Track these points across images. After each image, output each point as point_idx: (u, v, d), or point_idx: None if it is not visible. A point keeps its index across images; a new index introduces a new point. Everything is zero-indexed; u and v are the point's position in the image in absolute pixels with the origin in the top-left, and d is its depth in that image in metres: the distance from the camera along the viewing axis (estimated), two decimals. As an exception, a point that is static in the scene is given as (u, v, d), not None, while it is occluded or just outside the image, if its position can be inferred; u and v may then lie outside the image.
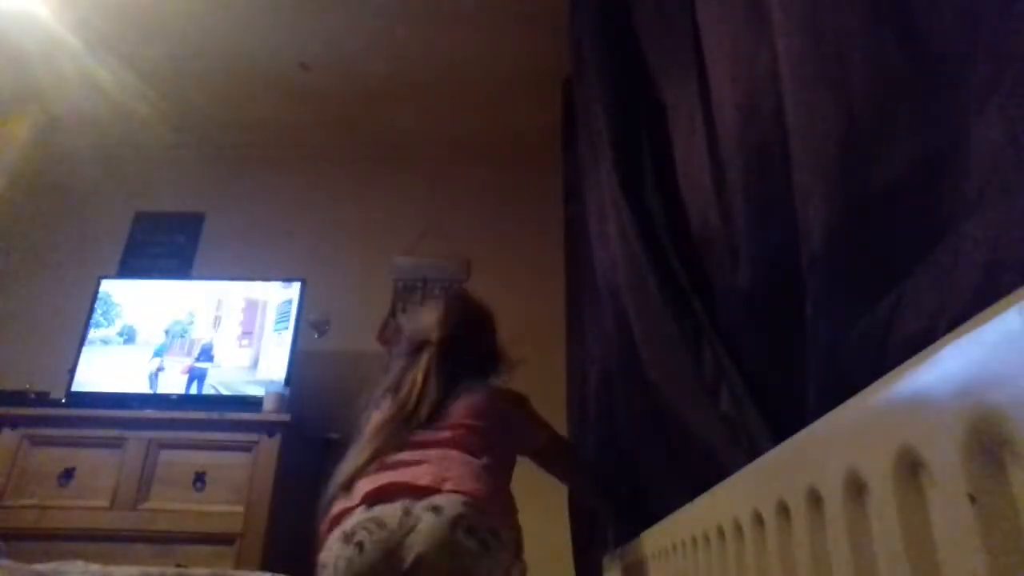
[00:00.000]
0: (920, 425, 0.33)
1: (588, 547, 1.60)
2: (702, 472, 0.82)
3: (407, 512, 0.93)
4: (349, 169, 3.45)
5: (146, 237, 3.34)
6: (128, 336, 2.80)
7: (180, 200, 3.41)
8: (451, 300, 1.48)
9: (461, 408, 1.15)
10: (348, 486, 1.04)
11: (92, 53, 2.82)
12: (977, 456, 0.29)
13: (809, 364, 0.60)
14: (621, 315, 1.26)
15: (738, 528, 0.62)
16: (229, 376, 2.70)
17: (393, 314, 3.07)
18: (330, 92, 3.10)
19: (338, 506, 1.02)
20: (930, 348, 0.33)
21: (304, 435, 2.62)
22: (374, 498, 0.98)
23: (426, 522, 0.91)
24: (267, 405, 2.49)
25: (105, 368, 2.72)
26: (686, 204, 1.05)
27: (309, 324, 2.94)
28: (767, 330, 0.76)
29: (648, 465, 1.25)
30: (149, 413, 2.48)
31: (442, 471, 0.99)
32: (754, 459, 0.61)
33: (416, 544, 0.89)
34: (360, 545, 0.91)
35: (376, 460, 1.06)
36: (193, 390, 2.67)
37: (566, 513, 1.96)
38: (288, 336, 2.70)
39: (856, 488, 0.40)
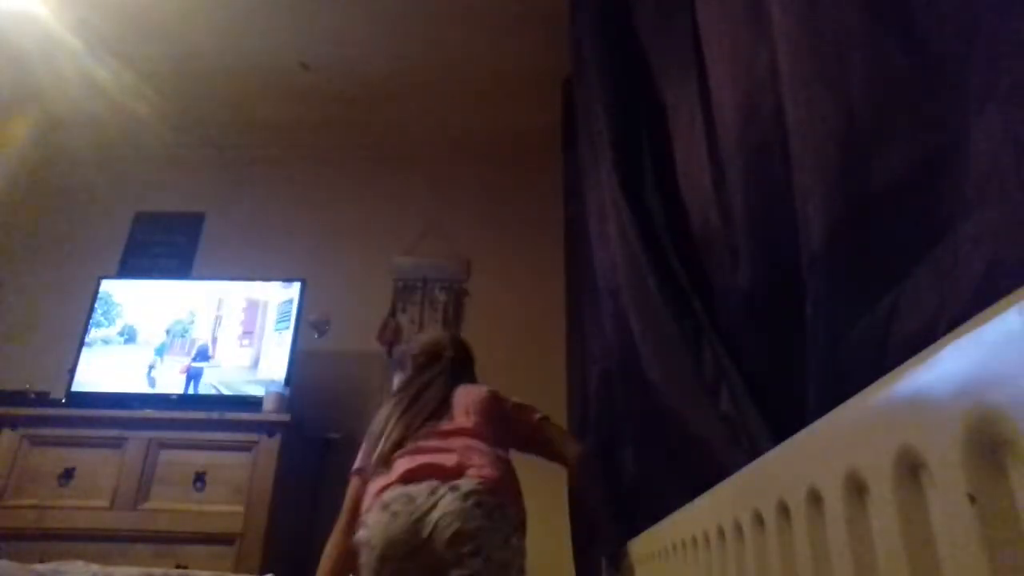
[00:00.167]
0: (920, 425, 0.33)
1: (588, 547, 1.60)
2: (702, 472, 0.82)
3: (433, 491, 1.14)
4: (349, 169, 3.45)
5: (146, 237, 3.34)
6: (129, 336, 2.80)
7: (180, 200, 3.41)
8: (447, 333, 1.84)
9: (465, 402, 1.38)
10: (387, 461, 1.24)
11: (92, 53, 2.82)
12: (977, 456, 0.29)
13: (809, 364, 0.60)
14: (621, 315, 1.27)
15: (738, 528, 0.62)
16: (230, 376, 2.70)
17: (393, 314, 3.07)
18: (330, 92, 3.10)
19: (379, 482, 1.21)
20: (930, 348, 0.33)
21: (304, 435, 2.62)
22: (408, 477, 1.18)
23: (446, 498, 1.12)
24: (267, 405, 2.49)
25: (105, 368, 2.72)
26: (686, 204, 1.05)
27: (309, 324, 2.94)
28: (767, 330, 0.76)
29: (648, 465, 1.25)
30: (149, 413, 2.48)
31: (465, 459, 1.20)
32: (754, 459, 0.61)
33: (435, 515, 1.10)
34: (395, 515, 1.12)
35: (410, 440, 1.27)
36: (191, 390, 2.67)
37: (566, 513, 1.95)
38: (288, 336, 2.71)
39: (856, 488, 0.40)
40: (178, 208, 3.39)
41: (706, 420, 0.86)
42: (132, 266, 3.26)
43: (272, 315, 2.78)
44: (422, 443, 1.27)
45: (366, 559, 1.14)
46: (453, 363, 1.53)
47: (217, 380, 2.69)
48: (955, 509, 0.30)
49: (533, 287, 3.07)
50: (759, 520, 0.57)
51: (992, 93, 0.38)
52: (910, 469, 0.34)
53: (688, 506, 0.85)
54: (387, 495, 1.16)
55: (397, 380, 1.56)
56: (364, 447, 1.38)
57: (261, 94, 3.14)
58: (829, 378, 0.56)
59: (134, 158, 3.46)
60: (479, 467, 1.18)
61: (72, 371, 2.68)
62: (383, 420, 1.38)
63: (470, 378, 1.57)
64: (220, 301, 2.84)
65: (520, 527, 1.22)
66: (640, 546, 1.17)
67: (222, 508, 2.28)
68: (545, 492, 1.64)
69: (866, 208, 0.51)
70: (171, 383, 2.69)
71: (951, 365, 0.31)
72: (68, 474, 2.35)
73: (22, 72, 2.91)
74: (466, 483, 1.14)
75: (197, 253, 3.30)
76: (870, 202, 0.51)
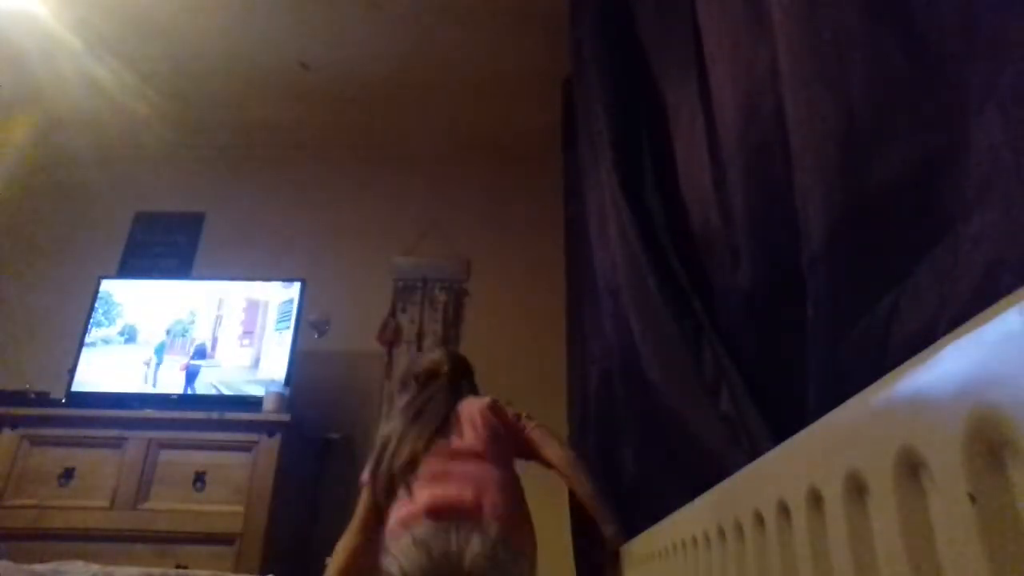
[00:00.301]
0: (920, 425, 0.33)
1: (588, 547, 1.61)
2: (702, 472, 0.82)
3: (459, 530, 1.24)
4: (349, 169, 3.45)
5: (146, 237, 3.34)
6: (129, 336, 2.80)
7: (180, 200, 3.41)
8: (444, 350, 1.89)
9: (470, 414, 1.46)
10: (406, 483, 1.33)
11: (92, 53, 2.82)
12: (977, 456, 0.29)
13: (809, 364, 0.60)
14: (621, 315, 1.27)
15: (738, 528, 0.62)
16: (230, 376, 2.70)
17: (393, 314, 3.07)
18: (330, 92, 3.10)
19: (403, 508, 1.29)
20: (930, 348, 0.33)
21: (304, 435, 2.62)
22: (435, 513, 1.26)
23: (475, 542, 1.23)
24: (267, 405, 2.49)
25: (105, 368, 2.72)
26: (686, 204, 1.05)
27: (309, 324, 2.94)
28: (767, 330, 0.76)
29: (648, 465, 1.25)
30: (149, 413, 2.48)
31: (481, 492, 1.29)
32: (754, 459, 0.61)
33: (468, 556, 1.21)
34: (429, 552, 1.22)
35: (422, 459, 1.35)
36: (190, 389, 2.67)
37: (566, 514, 1.95)
38: (288, 336, 2.71)
39: (856, 488, 0.40)
40: (178, 208, 3.39)
41: (706, 420, 0.86)
42: (132, 266, 3.26)
43: (272, 315, 2.78)
44: (436, 468, 1.35)
45: None
46: (451, 376, 1.61)
47: (217, 380, 2.69)
48: (955, 509, 0.30)
49: (533, 287, 3.07)
50: (759, 520, 0.57)
51: (992, 93, 0.38)
52: (910, 469, 0.34)
53: (688, 506, 0.85)
54: (418, 531, 1.25)
55: (400, 401, 1.65)
56: (373, 459, 1.44)
57: (261, 94, 3.14)
58: (829, 378, 0.56)
59: (134, 158, 3.46)
60: (494, 505, 1.28)
61: (72, 371, 2.68)
62: (390, 435, 1.45)
63: (471, 389, 1.65)
64: (220, 301, 2.84)
65: (534, 565, 1.34)
66: (640, 546, 1.17)
67: (222, 508, 2.28)
68: (545, 493, 1.64)
69: (866, 208, 0.51)
70: (170, 382, 2.69)
71: (951, 365, 0.31)
72: (68, 474, 2.35)
73: (22, 72, 2.91)
74: (490, 526, 1.25)
75: (197, 253, 3.30)
76: (870, 202, 0.51)
